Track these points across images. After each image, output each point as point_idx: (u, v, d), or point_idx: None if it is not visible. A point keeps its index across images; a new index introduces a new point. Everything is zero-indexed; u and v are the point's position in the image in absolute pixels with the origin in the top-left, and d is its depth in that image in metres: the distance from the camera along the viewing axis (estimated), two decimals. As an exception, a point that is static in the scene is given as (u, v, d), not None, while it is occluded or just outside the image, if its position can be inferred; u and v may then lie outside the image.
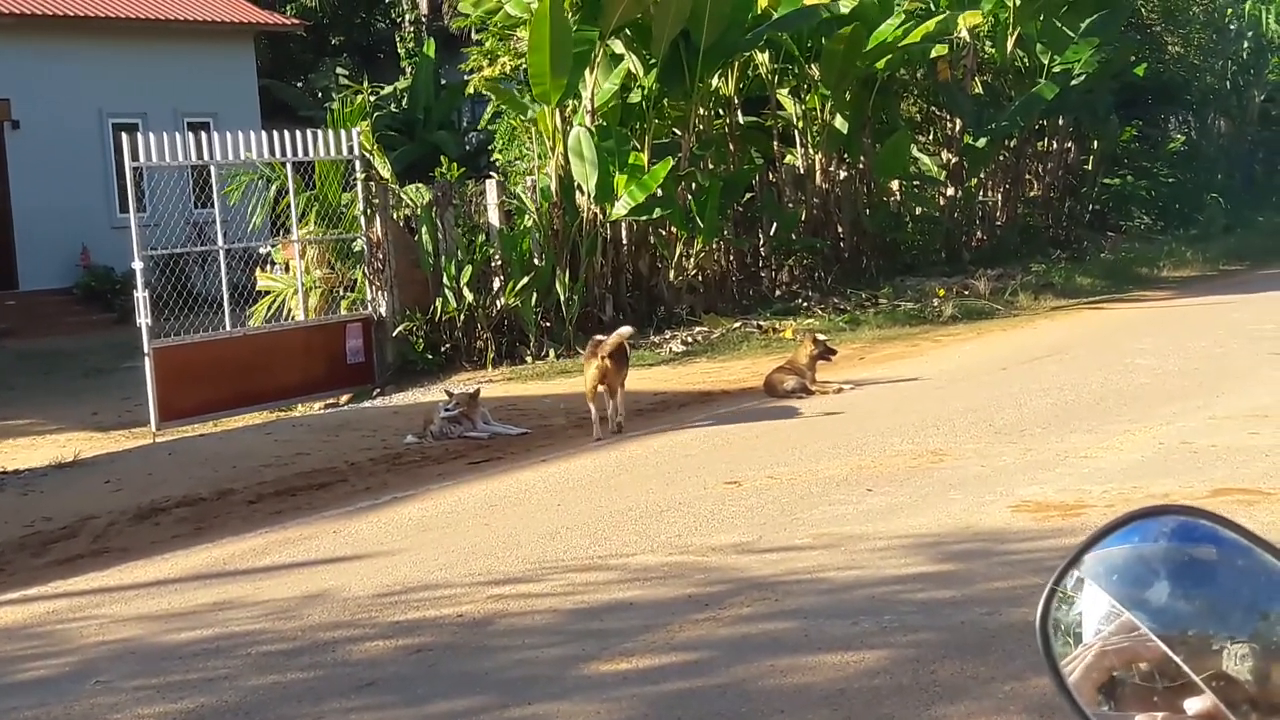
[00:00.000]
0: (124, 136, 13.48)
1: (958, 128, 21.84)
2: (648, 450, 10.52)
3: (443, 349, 15.53)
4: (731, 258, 19.21)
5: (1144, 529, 1.44)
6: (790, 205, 19.89)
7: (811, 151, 20.07)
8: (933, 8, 20.40)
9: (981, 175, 22.61)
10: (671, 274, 17.68)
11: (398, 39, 32.03)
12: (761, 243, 19.80)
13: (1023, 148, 23.43)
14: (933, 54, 20.02)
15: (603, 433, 11.00)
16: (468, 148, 28.18)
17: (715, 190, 17.41)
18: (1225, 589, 1.40)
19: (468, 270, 15.45)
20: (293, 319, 15.36)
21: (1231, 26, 29.05)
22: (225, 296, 14.21)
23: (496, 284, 15.91)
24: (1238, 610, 1.38)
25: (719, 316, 17.34)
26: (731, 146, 19.49)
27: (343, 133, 15.35)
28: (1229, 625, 1.37)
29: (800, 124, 20.09)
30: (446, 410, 11.62)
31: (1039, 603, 1.44)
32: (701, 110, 18.56)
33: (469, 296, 15.43)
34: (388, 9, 33.71)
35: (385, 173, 15.94)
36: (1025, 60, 22.12)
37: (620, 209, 16.24)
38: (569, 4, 16.21)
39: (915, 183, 21.56)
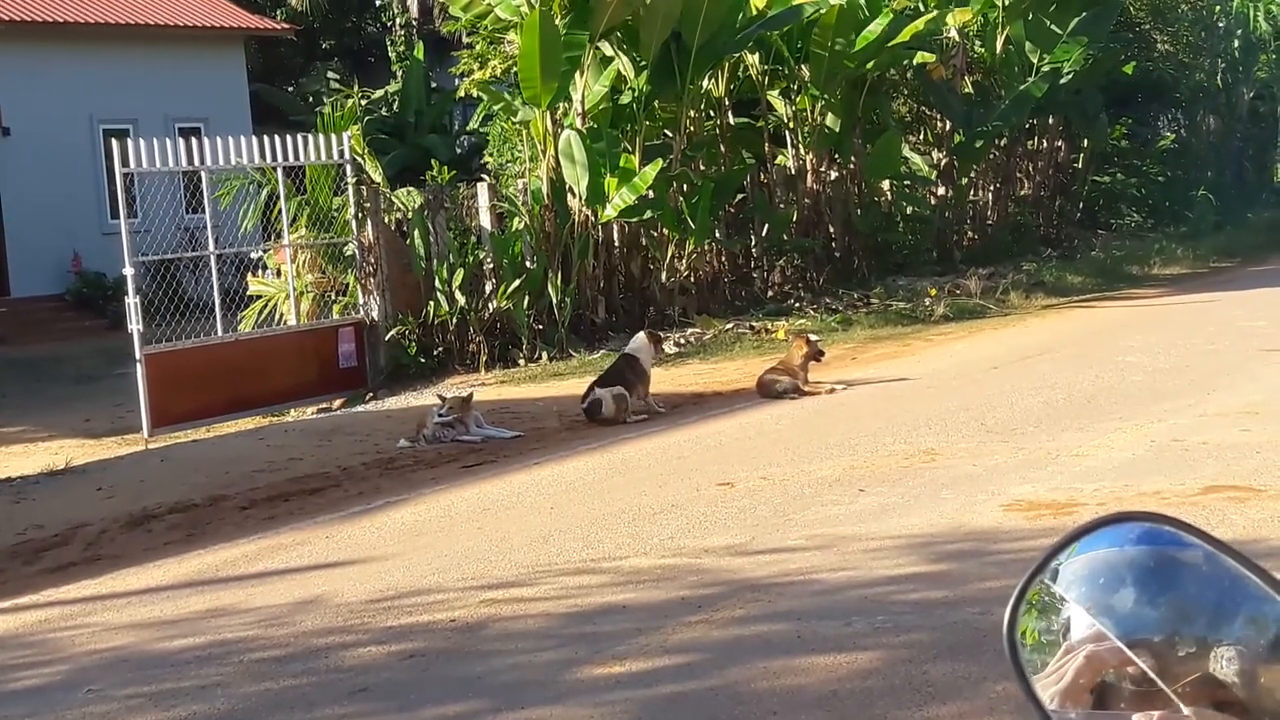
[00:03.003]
0: (115, 142, 13.48)
1: (948, 127, 21.87)
2: (640, 452, 10.53)
3: (435, 352, 15.53)
4: (723, 259, 19.23)
5: (1110, 535, 1.45)
6: (782, 206, 19.91)
7: (802, 152, 20.09)
8: (922, 8, 20.42)
9: (972, 174, 22.64)
10: (663, 275, 17.70)
11: (388, 43, 32.02)
12: (753, 244, 19.82)
13: (1013, 147, 23.47)
14: (918, 59, 20.05)
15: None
16: (459, 151, 28.18)
17: (707, 191, 17.42)
18: (1191, 594, 1.41)
19: (460, 273, 15.46)
20: (285, 324, 15.36)
21: (1220, 24, 29.10)
22: (217, 302, 14.21)
23: (489, 287, 15.92)
24: (1203, 614, 1.39)
25: (711, 318, 17.35)
26: (722, 148, 19.50)
27: (334, 137, 15.35)
28: (1196, 629, 1.38)
29: (791, 125, 20.11)
30: (440, 415, 11.61)
31: (1006, 609, 1.45)
32: (692, 112, 18.58)
33: (461, 300, 15.43)
34: (378, 13, 33.70)
35: (376, 177, 15.95)
36: (1017, 58, 22.13)
37: (611, 211, 16.24)
38: (558, 7, 16.23)
39: (906, 182, 21.58)
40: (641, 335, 12.55)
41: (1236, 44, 29.12)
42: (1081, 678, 1.40)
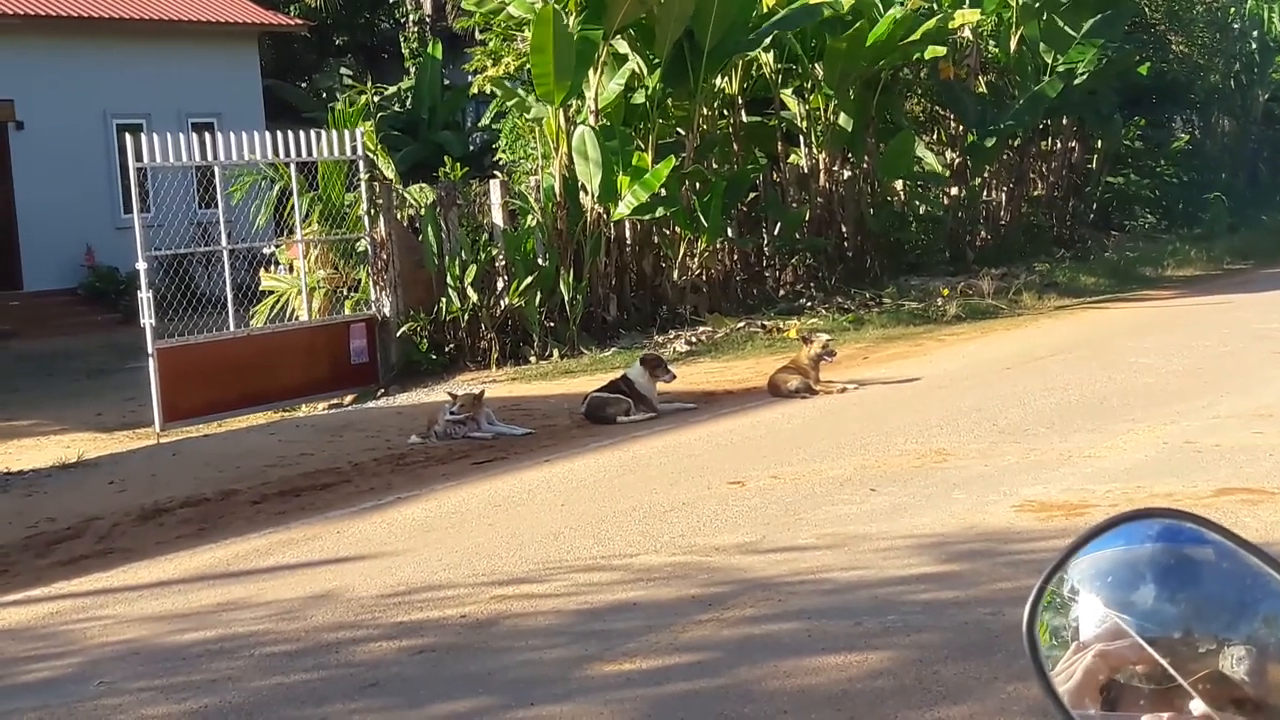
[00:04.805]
0: (128, 137, 13.50)
1: (961, 127, 21.83)
2: (651, 450, 10.52)
3: (447, 349, 15.54)
4: (735, 257, 19.22)
5: (1130, 532, 1.44)
6: (794, 205, 19.89)
7: (815, 151, 20.07)
8: (935, 7, 20.39)
9: (985, 174, 22.60)
10: (675, 274, 17.69)
11: (402, 39, 32.05)
12: (765, 242, 19.81)
13: (1027, 147, 23.42)
14: (928, 54, 19.94)
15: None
16: (472, 148, 28.18)
17: (719, 190, 17.41)
18: (1211, 591, 1.41)
19: (472, 270, 15.47)
20: (296, 319, 15.38)
21: (1235, 26, 29.00)
22: (229, 297, 14.22)
23: (500, 284, 15.92)
24: (1224, 612, 1.39)
25: (723, 316, 17.34)
26: (735, 146, 19.48)
27: (346, 133, 15.37)
28: (1216, 627, 1.37)
29: (804, 123, 20.08)
30: (452, 412, 11.61)
31: (1025, 606, 1.45)
32: (705, 110, 18.56)
33: (473, 296, 15.44)
34: (391, 9, 33.72)
35: (389, 173, 15.95)
36: (1031, 59, 22.08)
37: (624, 209, 16.24)
38: (573, 4, 16.22)
39: (919, 182, 21.55)
40: (637, 364, 12.45)
41: (1253, 46, 29.04)
42: (1091, 676, 1.39)
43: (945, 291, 18.57)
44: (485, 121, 23.90)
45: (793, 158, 20.40)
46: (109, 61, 24.12)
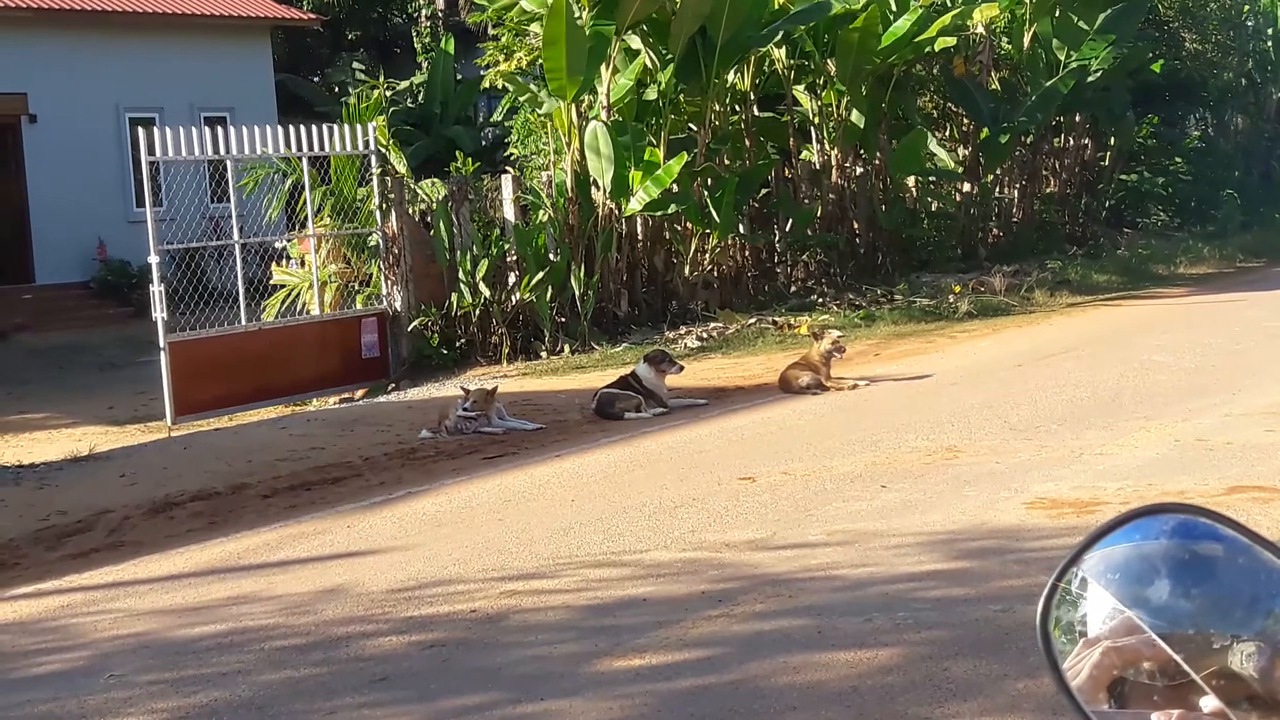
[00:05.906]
0: (140, 131, 13.52)
1: (974, 124, 21.78)
2: (662, 446, 10.52)
3: (458, 344, 15.56)
4: (747, 253, 19.22)
5: (1144, 527, 1.43)
6: (806, 201, 19.87)
7: (827, 147, 20.04)
8: (949, 3, 20.34)
9: (998, 171, 22.55)
10: (687, 270, 17.68)
11: (414, 34, 32.05)
12: (777, 239, 19.79)
13: (1039, 144, 23.38)
14: (939, 45, 19.84)
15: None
16: (484, 143, 28.19)
17: (731, 186, 17.40)
18: (1226, 587, 1.40)
19: (483, 265, 15.47)
20: (308, 313, 15.40)
21: (1249, 23, 28.91)
22: (241, 291, 14.24)
23: (512, 279, 15.93)
24: (1239, 608, 1.38)
25: (734, 312, 17.34)
26: (747, 142, 19.48)
27: (359, 127, 15.37)
28: (1230, 623, 1.36)
29: (816, 120, 20.06)
30: (464, 408, 11.62)
31: (1039, 601, 1.44)
32: (717, 106, 18.54)
33: (484, 291, 15.45)
34: (404, 4, 33.73)
35: (401, 167, 15.96)
36: (1044, 55, 22.03)
37: (636, 204, 16.24)
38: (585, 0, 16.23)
39: (931, 179, 21.52)
40: (643, 363, 12.41)
41: (1267, 43, 28.93)
42: (1100, 672, 1.39)
43: (957, 288, 18.55)
44: (497, 116, 23.89)
45: (805, 154, 20.38)
46: (121, 55, 24.16)
